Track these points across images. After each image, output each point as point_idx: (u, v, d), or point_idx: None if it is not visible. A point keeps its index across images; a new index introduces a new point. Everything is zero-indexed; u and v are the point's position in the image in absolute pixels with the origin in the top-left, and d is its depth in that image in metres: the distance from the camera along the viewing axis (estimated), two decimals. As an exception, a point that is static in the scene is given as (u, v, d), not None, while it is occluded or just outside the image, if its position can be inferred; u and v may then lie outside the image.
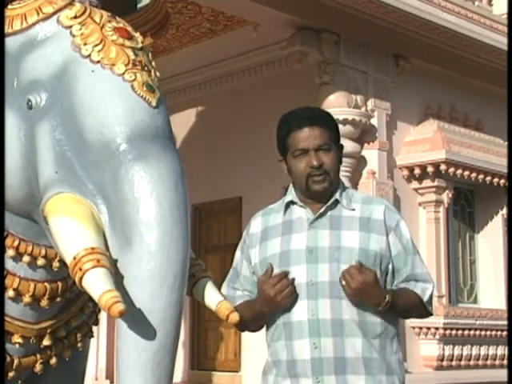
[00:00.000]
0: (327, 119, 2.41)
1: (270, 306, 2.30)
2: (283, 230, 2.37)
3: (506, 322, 7.72)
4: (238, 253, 2.49)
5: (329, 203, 2.35)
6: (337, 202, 2.36)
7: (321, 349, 2.24)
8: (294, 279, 2.27)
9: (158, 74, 2.29)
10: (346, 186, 2.46)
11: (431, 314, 2.42)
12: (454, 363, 7.48)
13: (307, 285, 2.27)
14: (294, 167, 2.36)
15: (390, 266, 2.33)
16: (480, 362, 7.75)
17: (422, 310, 2.37)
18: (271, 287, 2.26)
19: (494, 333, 7.77)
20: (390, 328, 2.32)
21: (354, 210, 2.35)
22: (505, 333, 7.75)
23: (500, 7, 8.40)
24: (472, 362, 7.68)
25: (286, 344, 2.30)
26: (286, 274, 2.27)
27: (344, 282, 2.22)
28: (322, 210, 2.34)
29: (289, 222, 2.38)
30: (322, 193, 2.34)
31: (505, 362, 7.83)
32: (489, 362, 7.81)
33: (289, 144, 2.37)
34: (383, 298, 2.23)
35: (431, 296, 2.36)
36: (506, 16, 8.27)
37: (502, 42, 7.69)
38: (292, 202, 2.40)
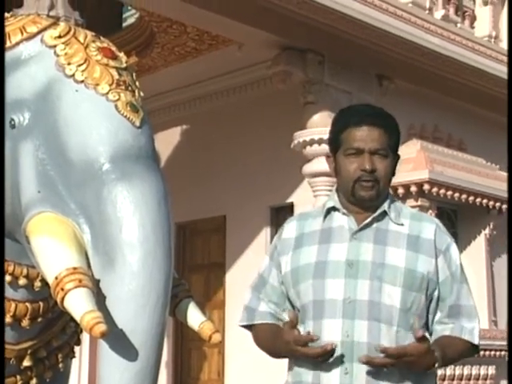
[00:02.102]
0: (390, 122, 2.15)
1: (293, 356, 2.09)
2: (321, 238, 2.12)
3: (488, 342, 7.73)
4: (266, 259, 2.23)
5: (376, 214, 2.11)
6: (384, 213, 2.12)
7: (352, 376, 1.99)
8: (329, 349, 1.98)
9: (141, 93, 2.29)
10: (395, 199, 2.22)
11: (478, 352, 2.21)
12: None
13: (344, 302, 2.03)
14: (343, 167, 2.11)
15: (436, 293, 2.09)
16: (463, 382, 7.75)
17: (471, 353, 2.16)
18: (295, 345, 2.00)
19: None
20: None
21: (402, 225, 2.11)
22: (487, 352, 7.76)
23: (482, 29, 8.50)
24: (455, 382, 7.69)
25: (314, 367, 2.05)
26: (311, 339, 1.98)
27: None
28: (367, 220, 2.10)
29: (328, 230, 2.13)
30: (367, 201, 2.10)
31: (487, 381, 7.83)
32: (472, 382, 7.81)
33: (342, 140, 2.12)
34: (432, 365, 2.01)
35: (479, 335, 2.15)
36: (487, 38, 8.36)
37: (483, 63, 7.77)
38: (334, 209, 2.15)
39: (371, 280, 2.03)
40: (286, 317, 2.14)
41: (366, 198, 2.09)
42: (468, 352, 2.15)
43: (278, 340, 2.09)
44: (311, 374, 2.05)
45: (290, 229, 2.20)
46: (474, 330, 2.13)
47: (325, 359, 1.99)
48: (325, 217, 2.15)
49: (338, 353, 2.00)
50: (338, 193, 2.18)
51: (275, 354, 2.17)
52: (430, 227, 2.13)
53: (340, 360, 2.00)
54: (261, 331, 2.17)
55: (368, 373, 1.99)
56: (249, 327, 2.23)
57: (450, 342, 2.09)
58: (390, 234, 2.09)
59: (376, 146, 2.09)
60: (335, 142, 2.16)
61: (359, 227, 2.10)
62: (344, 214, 2.13)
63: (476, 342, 2.13)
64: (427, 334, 2.08)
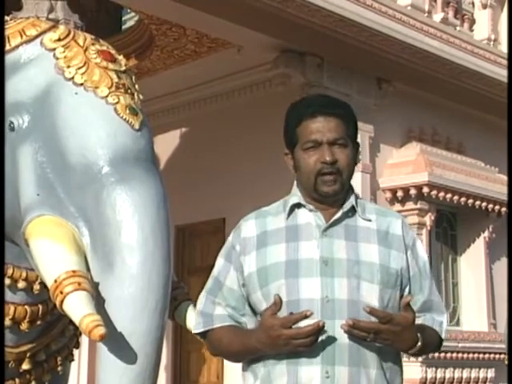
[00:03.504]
0: (346, 110, 2.07)
1: (273, 348, 1.89)
2: (288, 236, 2.00)
3: (487, 345, 7.73)
4: (220, 260, 2.08)
5: (345, 209, 2.02)
6: (352, 209, 2.03)
7: (334, 379, 1.88)
8: (321, 325, 1.84)
9: (141, 96, 2.29)
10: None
11: (440, 349, 2.14)
12: (436, 386, 7.48)
13: (322, 302, 1.92)
14: (303, 162, 2.01)
15: (407, 289, 2.03)
16: (462, 385, 7.75)
17: (436, 347, 2.10)
18: (283, 328, 1.84)
19: (476, 355, 7.77)
20: (398, 359, 2.04)
21: (370, 220, 2.03)
22: (487, 355, 7.76)
23: (481, 32, 8.51)
24: (455, 385, 7.68)
25: (288, 369, 1.90)
26: (305, 315, 1.84)
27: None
28: (337, 215, 2.01)
29: (294, 227, 2.01)
30: (331, 196, 2.01)
31: (487, 384, 7.84)
32: (471, 385, 7.81)
33: (298, 135, 2.02)
34: (416, 342, 1.93)
35: (445, 330, 2.09)
36: (486, 41, 8.37)
37: (482, 66, 7.77)
38: (298, 205, 2.04)
39: (348, 278, 1.94)
40: (245, 321, 2.01)
41: (330, 193, 2.00)
42: (436, 345, 2.08)
43: (250, 333, 1.95)
44: (286, 377, 1.91)
45: (249, 227, 2.06)
46: (442, 323, 2.08)
47: (311, 344, 1.85)
48: (289, 214, 2.04)
49: (318, 355, 1.89)
50: (300, 189, 2.07)
51: (242, 353, 1.99)
52: (397, 222, 2.06)
53: (321, 363, 1.89)
54: (223, 332, 1.99)
55: (350, 375, 1.90)
56: (203, 335, 2.04)
57: (426, 329, 2.02)
58: (360, 229, 2.01)
59: (334, 136, 2.00)
60: (291, 138, 2.05)
61: (329, 223, 2.00)
62: (311, 210, 2.03)
63: (443, 335, 2.07)
64: None
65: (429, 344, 2.02)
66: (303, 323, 1.86)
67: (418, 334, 1.94)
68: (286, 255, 1.98)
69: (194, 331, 2.05)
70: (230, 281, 2.04)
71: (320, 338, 1.87)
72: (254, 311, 2.01)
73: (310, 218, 2.02)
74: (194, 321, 2.08)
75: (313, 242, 1.98)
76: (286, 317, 1.86)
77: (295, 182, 2.10)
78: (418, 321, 2.02)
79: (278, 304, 1.87)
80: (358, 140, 2.15)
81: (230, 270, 2.04)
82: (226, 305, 2.02)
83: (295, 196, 2.06)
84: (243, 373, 2.04)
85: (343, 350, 1.90)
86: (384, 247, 2.00)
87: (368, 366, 1.93)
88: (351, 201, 2.04)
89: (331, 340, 1.90)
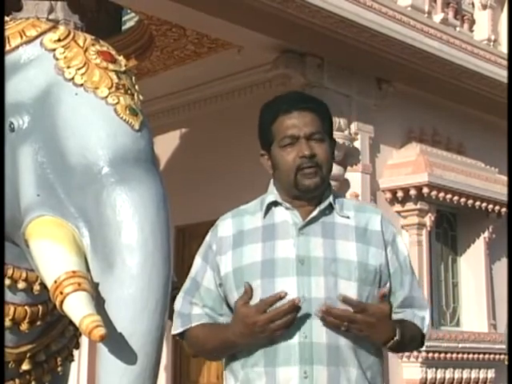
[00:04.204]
0: (320, 106, 2.05)
1: (250, 338, 1.86)
2: (264, 235, 1.97)
3: (488, 345, 7.73)
4: (197, 260, 2.05)
5: (322, 207, 1.99)
6: (330, 206, 2.00)
7: (312, 379, 1.85)
8: (295, 302, 1.81)
9: (141, 97, 2.29)
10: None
11: (423, 345, 2.11)
12: (436, 387, 7.48)
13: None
14: (281, 159, 1.98)
15: (387, 286, 1.99)
16: (463, 386, 7.75)
17: (419, 343, 2.06)
18: (258, 314, 1.82)
19: (476, 356, 7.77)
20: (379, 359, 2.00)
21: (348, 217, 2.00)
22: (487, 356, 7.75)
23: (481, 33, 8.50)
24: (455, 386, 7.68)
25: (266, 371, 1.88)
26: (280, 296, 1.82)
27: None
28: (314, 213, 1.98)
29: (271, 226, 1.98)
30: (312, 190, 1.97)
31: (487, 385, 7.84)
32: (471, 386, 7.81)
33: (274, 132, 2.00)
34: (393, 335, 1.89)
35: (428, 326, 2.06)
36: (486, 42, 8.37)
37: (482, 67, 7.77)
38: (275, 203, 2.01)
39: (325, 276, 1.91)
40: (223, 321, 1.97)
41: (312, 186, 1.96)
42: (417, 340, 2.04)
43: (226, 327, 1.92)
44: (264, 379, 1.88)
45: (225, 226, 2.03)
46: (424, 318, 2.04)
47: (288, 325, 1.82)
48: (265, 212, 2.01)
49: (296, 355, 1.86)
50: (277, 188, 2.04)
51: (219, 349, 1.96)
52: (376, 218, 2.03)
53: (299, 363, 1.86)
54: (199, 330, 1.97)
55: (329, 374, 1.86)
56: (181, 336, 2.02)
57: (406, 323, 1.99)
58: (338, 226, 1.98)
59: (311, 130, 1.98)
60: (267, 137, 2.03)
61: (306, 221, 1.97)
62: (287, 208, 2.00)
63: (425, 330, 2.04)
64: None
65: (409, 339, 1.98)
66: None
67: (396, 328, 1.91)
68: (262, 255, 1.95)
69: (172, 333, 2.03)
70: (206, 281, 2.01)
71: (297, 339, 1.85)
72: (232, 311, 1.97)
73: (286, 216, 1.99)
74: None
75: (289, 240, 1.95)
76: (259, 302, 1.84)
77: (271, 181, 2.07)
78: (399, 316, 2.00)
79: (248, 292, 1.86)
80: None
81: (206, 270, 2.02)
82: (203, 305, 2.00)
83: (272, 194, 2.03)
84: (224, 372, 2.02)
85: (321, 349, 1.87)
86: (362, 244, 1.97)
87: (348, 366, 1.90)
88: (329, 198, 2.01)
89: (309, 340, 1.87)
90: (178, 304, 2.03)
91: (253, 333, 1.85)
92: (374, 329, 1.87)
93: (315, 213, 1.98)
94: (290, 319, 1.83)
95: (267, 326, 1.83)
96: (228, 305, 1.99)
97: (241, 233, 2.00)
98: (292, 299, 1.82)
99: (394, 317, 1.98)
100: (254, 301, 1.89)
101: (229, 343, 1.91)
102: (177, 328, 2.02)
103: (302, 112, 1.99)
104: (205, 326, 1.98)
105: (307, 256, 1.93)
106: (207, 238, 2.07)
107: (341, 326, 1.86)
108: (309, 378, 1.86)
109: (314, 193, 1.99)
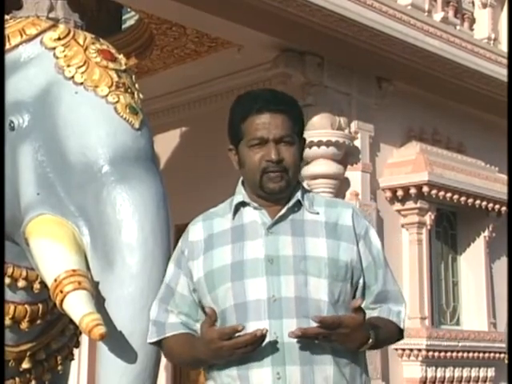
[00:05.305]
0: (293, 106, 2.01)
1: (220, 359, 1.86)
2: (233, 237, 1.94)
3: (488, 344, 7.73)
4: (171, 266, 2.01)
5: (290, 204, 1.96)
6: (299, 203, 1.98)
7: (286, 379, 1.83)
8: (258, 335, 1.78)
9: (141, 95, 2.29)
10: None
11: (403, 338, 2.08)
12: (436, 385, 7.48)
13: (268, 301, 1.87)
14: (248, 159, 1.96)
15: (361, 281, 1.98)
16: (462, 384, 7.76)
17: (397, 337, 2.04)
18: (221, 340, 1.80)
19: (476, 355, 7.77)
20: (359, 356, 1.96)
21: (317, 213, 1.97)
22: (487, 354, 7.76)
23: (481, 32, 8.50)
24: (455, 384, 7.69)
25: (239, 374, 1.86)
26: (236, 330, 1.79)
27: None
28: (282, 211, 1.95)
29: (240, 227, 1.96)
30: (277, 193, 1.95)
31: (487, 383, 7.83)
32: (471, 384, 7.81)
33: (243, 131, 1.98)
34: (367, 340, 1.88)
35: (404, 320, 2.03)
36: (486, 40, 8.37)
37: (483, 65, 7.77)
38: (243, 204, 1.99)
39: (295, 275, 1.88)
40: (199, 328, 1.94)
41: (276, 190, 1.94)
42: (395, 336, 2.03)
43: (196, 345, 1.89)
44: (238, 382, 1.87)
45: (196, 231, 2.00)
46: (400, 313, 2.02)
47: (254, 348, 1.80)
48: (234, 213, 1.98)
49: (268, 356, 1.84)
50: (245, 187, 2.02)
51: (193, 363, 2.00)
52: (347, 212, 2.00)
53: (271, 364, 1.84)
54: (173, 342, 1.95)
55: (302, 374, 1.84)
56: (158, 343, 1.99)
57: (380, 321, 1.96)
58: (307, 223, 1.95)
59: (281, 133, 1.94)
60: (236, 133, 2.01)
61: (274, 220, 1.94)
62: (255, 208, 1.97)
63: (401, 325, 2.01)
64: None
65: (384, 338, 1.97)
66: (252, 327, 1.82)
67: (371, 331, 1.90)
68: (232, 257, 1.92)
69: (147, 341, 2.00)
70: (181, 287, 1.98)
71: (268, 340, 1.82)
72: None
73: (255, 216, 1.97)
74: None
75: (258, 240, 1.93)
76: (220, 329, 1.82)
77: (240, 180, 2.05)
78: (374, 313, 1.99)
79: (212, 316, 1.83)
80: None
81: (180, 276, 1.99)
82: (179, 312, 1.97)
83: (239, 195, 2.01)
84: (205, 374, 2.01)
85: (293, 349, 1.85)
86: (333, 240, 1.94)
87: (323, 363, 1.88)
88: (297, 195, 1.98)
89: (280, 340, 1.85)
90: (154, 312, 1.99)
91: (221, 356, 1.84)
92: (348, 338, 1.85)
93: (283, 211, 1.96)
94: (255, 347, 1.80)
95: (233, 350, 1.81)
96: (204, 310, 1.95)
97: (211, 236, 1.98)
98: (254, 331, 1.79)
99: (370, 314, 1.96)
100: (228, 304, 1.89)
101: (201, 360, 1.91)
102: (152, 337, 1.99)
103: (273, 114, 1.95)
104: (179, 338, 1.95)
105: (276, 255, 1.91)
106: (179, 243, 2.03)
107: (316, 340, 1.84)
108: (282, 379, 1.84)
109: (279, 195, 1.97)
